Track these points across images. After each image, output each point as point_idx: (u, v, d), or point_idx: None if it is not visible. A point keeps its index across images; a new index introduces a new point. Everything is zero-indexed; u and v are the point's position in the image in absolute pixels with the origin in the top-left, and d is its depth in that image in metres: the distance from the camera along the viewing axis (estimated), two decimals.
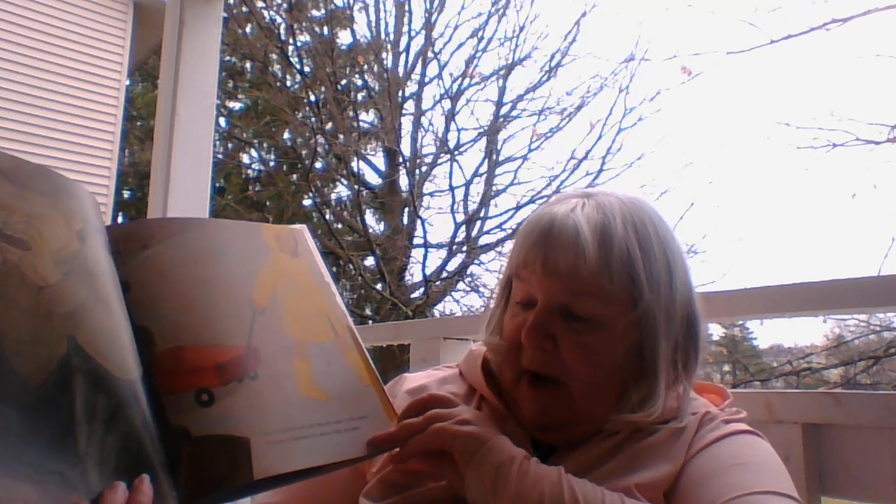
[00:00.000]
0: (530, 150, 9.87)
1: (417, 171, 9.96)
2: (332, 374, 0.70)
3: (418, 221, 9.62)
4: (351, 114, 10.10)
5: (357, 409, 0.69)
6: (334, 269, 11.00)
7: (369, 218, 10.54)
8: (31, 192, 0.58)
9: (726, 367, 9.27)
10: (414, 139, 10.23)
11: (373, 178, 10.74)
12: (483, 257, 9.71)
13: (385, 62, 10.26)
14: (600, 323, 0.72)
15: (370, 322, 8.51)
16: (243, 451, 0.59)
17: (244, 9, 8.97)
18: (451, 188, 9.64)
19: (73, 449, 0.50)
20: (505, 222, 9.75)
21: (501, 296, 0.83)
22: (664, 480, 0.68)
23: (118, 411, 0.54)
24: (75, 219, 0.60)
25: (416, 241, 9.92)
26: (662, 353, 0.72)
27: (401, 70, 10.55)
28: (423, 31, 10.29)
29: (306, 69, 9.86)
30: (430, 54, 10.29)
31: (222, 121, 10.90)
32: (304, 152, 10.31)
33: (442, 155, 10.03)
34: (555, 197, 0.82)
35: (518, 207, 9.59)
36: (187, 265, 0.66)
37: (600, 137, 9.29)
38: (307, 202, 10.96)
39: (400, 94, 10.24)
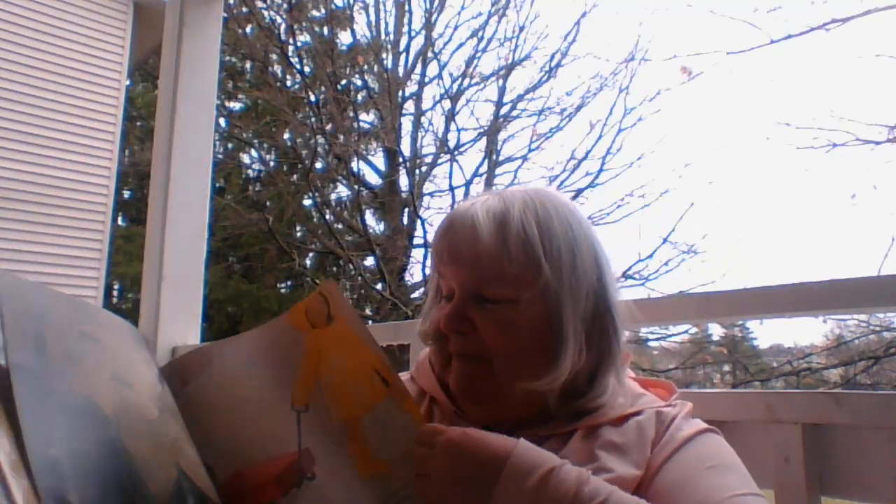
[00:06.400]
0: (530, 150, 9.88)
1: (417, 171, 9.96)
2: (391, 437, 0.68)
3: (418, 221, 9.61)
4: (351, 114, 10.10)
5: None
6: (334, 268, 11.01)
7: (369, 218, 10.55)
8: (125, 340, 0.68)
9: (726, 367, 9.28)
10: (414, 139, 10.23)
11: (373, 178, 10.75)
12: None
13: (385, 62, 10.26)
14: (510, 301, 0.76)
15: (370, 322, 8.48)
16: None
17: (244, 9, 8.98)
18: (451, 188, 9.63)
19: None
20: None
21: (433, 293, 0.88)
22: (631, 482, 0.69)
23: None
24: (152, 364, 0.69)
25: (416, 241, 9.93)
26: (569, 326, 0.75)
27: (401, 70, 10.55)
28: (423, 31, 10.29)
29: (306, 69, 9.85)
30: (430, 54, 10.29)
31: (222, 121, 10.90)
32: (304, 152, 10.31)
33: (442, 155, 10.03)
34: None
35: None
36: (224, 391, 0.69)
37: (600, 137, 9.29)
38: (307, 202, 10.97)
39: (400, 94, 10.24)
